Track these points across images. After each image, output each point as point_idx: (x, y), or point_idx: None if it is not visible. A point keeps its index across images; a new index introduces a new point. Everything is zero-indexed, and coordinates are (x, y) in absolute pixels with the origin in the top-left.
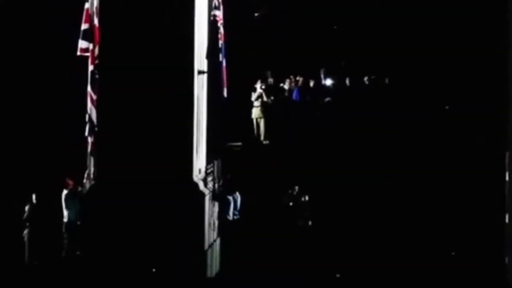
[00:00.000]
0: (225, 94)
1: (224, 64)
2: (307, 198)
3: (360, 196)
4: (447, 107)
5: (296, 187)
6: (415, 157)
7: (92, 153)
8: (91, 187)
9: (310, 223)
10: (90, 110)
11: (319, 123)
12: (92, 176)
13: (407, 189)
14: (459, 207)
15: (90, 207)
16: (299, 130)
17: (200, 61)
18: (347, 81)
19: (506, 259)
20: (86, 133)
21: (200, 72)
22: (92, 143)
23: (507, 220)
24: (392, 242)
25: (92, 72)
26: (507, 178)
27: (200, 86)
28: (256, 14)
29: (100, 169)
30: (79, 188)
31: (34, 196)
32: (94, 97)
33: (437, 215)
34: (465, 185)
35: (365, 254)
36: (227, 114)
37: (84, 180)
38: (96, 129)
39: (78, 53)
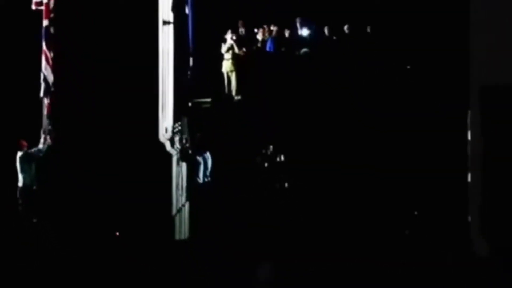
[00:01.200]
0: (191, 46)
1: (190, 15)
2: (282, 158)
3: (337, 155)
4: (408, 67)
5: (271, 147)
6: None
7: (48, 116)
8: (48, 148)
9: (286, 185)
10: (45, 69)
11: (295, 77)
12: (48, 136)
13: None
14: (426, 167)
15: (47, 169)
16: (274, 84)
17: (165, 12)
18: (326, 31)
19: (469, 217)
20: (41, 94)
21: (165, 23)
22: (48, 104)
23: (469, 179)
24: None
25: (46, 27)
26: (469, 137)
27: (166, 39)
28: None
29: (57, 129)
30: (34, 149)
31: None
32: (50, 55)
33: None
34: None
35: (336, 224)
36: (195, 68)
37: (40, 141)
38: (52, 89)
39: (33, 7)
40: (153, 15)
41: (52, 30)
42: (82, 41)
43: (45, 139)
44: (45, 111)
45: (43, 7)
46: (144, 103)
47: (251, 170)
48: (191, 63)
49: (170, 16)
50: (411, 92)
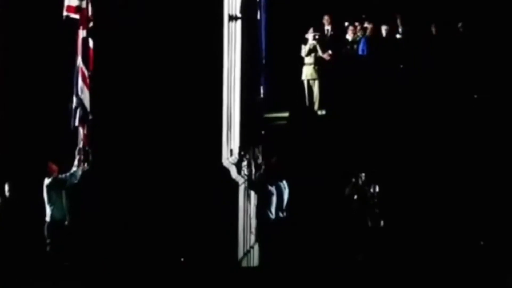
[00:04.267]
0: (263, 49)
1: (264, 11)
2: (377, 189)
3: (446, 185)
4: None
5: (363, 174)
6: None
7: (84, 148)
8: (85, 173)
9: (382, 223)
10: (82, 90)
11: (395, 86)
12: (83, 159)
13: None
14: None
15: (83, 200)
16: (366, 95)
17: (232, 5)
18: (433, 29)
19: None
20: (76, 123)
21: (232, 18)
22: (85, 135)
23: None
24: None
25: (84, 39)
26: None
27: (232, 38)
28: None
29: (96, 152)
30: (66, 175)
31: (6, 187)
32: (87, 73)
33: None
34: None
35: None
36: (268, 76)
37: (74, 164)
38: (90, 117)
39: (65, 13)
40: (215, 8)
41: (90, 43)
42: (128, 53)
43: (79, 162)
44: (80, 143)
45: (78, 15)
46: (204, 120)
47: (338, 204)
48: (263, 70)
49: (237, 11)
50: None
